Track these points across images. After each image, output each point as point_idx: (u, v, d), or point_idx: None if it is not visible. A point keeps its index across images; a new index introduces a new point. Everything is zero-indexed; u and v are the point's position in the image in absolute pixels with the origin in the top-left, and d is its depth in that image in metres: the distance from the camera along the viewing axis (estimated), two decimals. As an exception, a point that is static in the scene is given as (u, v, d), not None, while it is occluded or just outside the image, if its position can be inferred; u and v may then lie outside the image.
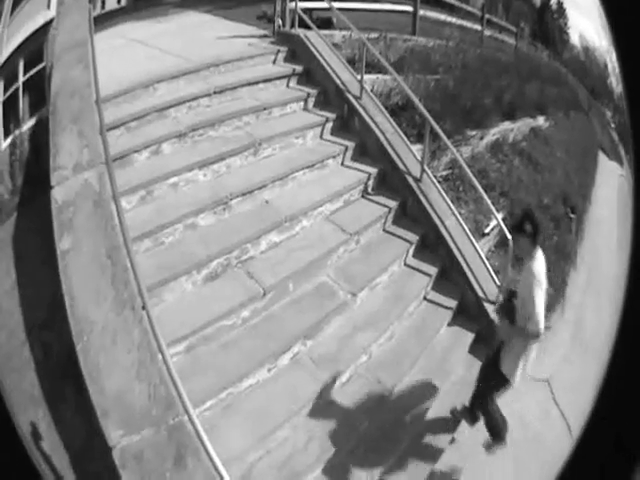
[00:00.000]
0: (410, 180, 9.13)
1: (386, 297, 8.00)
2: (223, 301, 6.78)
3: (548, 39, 17.65)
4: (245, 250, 7.50)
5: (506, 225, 8.38)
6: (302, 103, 10.38)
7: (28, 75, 15.26)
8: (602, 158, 13.36)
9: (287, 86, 10.75)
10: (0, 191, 13.74)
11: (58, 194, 5.81)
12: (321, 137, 9.91)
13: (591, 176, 12.79)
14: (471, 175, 9.03)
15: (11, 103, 15.23)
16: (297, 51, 11.38)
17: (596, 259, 10.64)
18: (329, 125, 10.07)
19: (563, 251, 10.23)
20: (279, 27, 12.30)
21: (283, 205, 8.27)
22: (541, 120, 14.07)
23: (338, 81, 10.48)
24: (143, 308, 4.98)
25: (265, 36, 12.40)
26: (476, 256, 8.55)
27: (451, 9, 16.53)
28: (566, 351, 8.69)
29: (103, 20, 19.06)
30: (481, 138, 12.32)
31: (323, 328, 7.18)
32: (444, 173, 10.60)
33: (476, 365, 7.43)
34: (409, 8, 15.06)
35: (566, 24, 17.17)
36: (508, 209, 10.35)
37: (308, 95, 10.47)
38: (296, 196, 8.52)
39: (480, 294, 8.16)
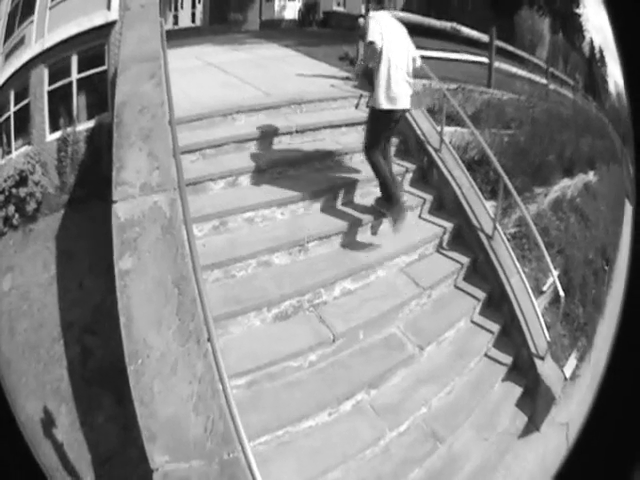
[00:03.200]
0: (482, 237, 8.94)
1: (450, 352, 7.83)
2: (291, 342, 6.62)
3: (595, 89, 17.79)
4: (318, 294, 7.30)
5: (561, 283, 8.38)
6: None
7: (84, 74, 15.42)
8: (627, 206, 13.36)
9: None
10: (44, 183, 13.80)
11: (121, 211, 5.48)
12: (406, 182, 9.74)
13: (620, 226, 12.71)
14: (537, 234, 8.84)
15: (61, 96, 15.31)
16: None
17: (617, 306, 10.55)
18: (408, 175, 9.89)
19: (597, 303, 10.17)
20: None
21: (360, 253, 8.09)
22: (591, 175, 14.09)
23: (419, 131, 10.24)
24: (208, 340, 4.73)
25: (347, 78, 12.28)
26: (533, 314, 8.32)
27: (521, 61, 16.88)
28: (585, 394, 8.38)
29: (175, 36, 19.22)
30: (545, 195, 12.26)
31: (388, 378, 6.99)
32: (512, 230, 10.48)
33: (520, 417, 7.69)
34: (485, 59, 15.18)
35: (606, 72, 17.34)
36: (563, 267, 10.37)
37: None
38: (374, 239, 8.35)
39: (532, 350, 8.01)
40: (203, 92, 10.74)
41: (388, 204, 8.21)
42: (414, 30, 13.09)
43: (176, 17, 29.72)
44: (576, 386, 8.33)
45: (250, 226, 7.78)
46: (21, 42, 15.65)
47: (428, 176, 9.90)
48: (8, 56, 16.27)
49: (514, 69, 16.17)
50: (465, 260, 8.85)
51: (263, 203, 7.91)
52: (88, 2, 15.14)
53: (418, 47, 10.27)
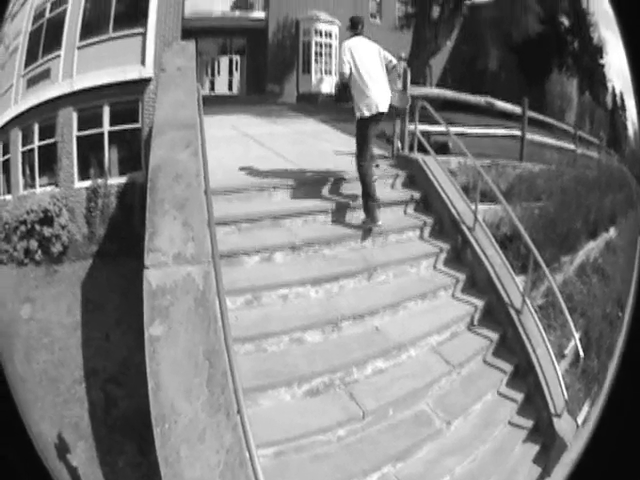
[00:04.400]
0: (512, 312, 8.95)
1: (476, 423, 7.81)
2: (321, 417, 6.60)
3: (617, 140, 17.92)
4: (350, 372, 7.29)
5: (581, 345, 8.57)
6: (418, 231, 10.26)
7: (117, 127, 15.58)
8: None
9: (405, 212, 10.65)
10: (71, 229, 13.95)
11: (153, 277, 5.45)
12: (434, 267, 9.77)
13: (634, 270, 12.80)
14: (563, 304, 8.89)
15: (91, 145, 15.47)
16: (415, 176, 11.28)
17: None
18: (443, 255, 9.94)
19: (610, 351, 10.06)
20: (398, 150, 12.27)
21: (393, 333, 8.07)
22: (612, 231, 14.24)
23: (454, 211, 10.33)
24: (238, 413, 4.70)
25: (384, 157, 12.29)
26: (556, 380, 8.38)
27: (550, 129, 17.27)
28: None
29: (212, 103, 19.40)
30: (571, 263, 12.38)
31: (414, 452, 6.94)
32: (540, 302, 10.53)
33: (535, 469, 7.77)
34: (517, 132, 15.40)
35: (626, 117, 17.49)
36: (584, 328, 10.47)
37: (424, 223, 10.34)
38: (406, 325, 8.31)
39: (552, 411, 8.07)
40: (240, 164, 10.85)
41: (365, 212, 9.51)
42: (449, 105, 13.36)
43: (213, 83, 30.00)
44: (585, 428, 8.25)
45: (284, 302, 7.77)
46: (46, 75, 16.02)
47: (462, 255, 9.95)
48: (31, 84, 16.49)
49: (545, 139, 16.39)
50: (495, 336, 8.89)
51: (297, 281, 7.93)
52: (121, 52, 15.60)
53: (453, 123, 12.02)
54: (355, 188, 10.14)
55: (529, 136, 15.38)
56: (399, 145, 12.24)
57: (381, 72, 9.61)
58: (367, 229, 9.52)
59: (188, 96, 8.85)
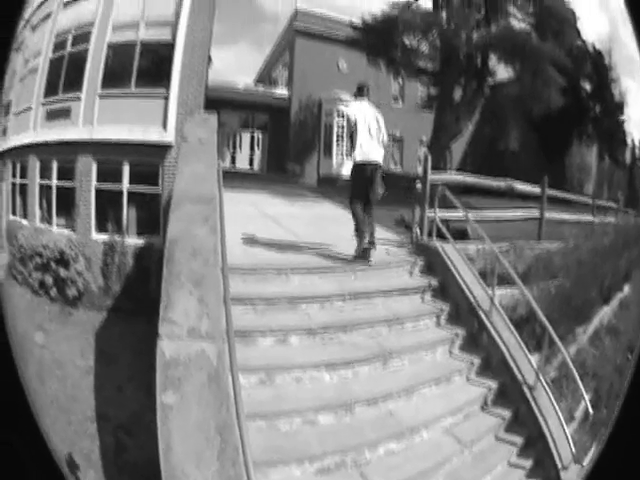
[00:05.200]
0: (525, 389, 8.94)
1: None
2: None
3: (634, 196, 17.93)
4: (361, 453, 7.22)
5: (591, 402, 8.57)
6: (435, 318, 10.24)
7: (137, 188, 15.95)
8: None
9: (422, 300, 10.62)
10: (87, 278, 14.13)
11: (167, 348, 5.45)
12: (450, 352, 9.75)
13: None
14: (576, 374, 8.82)
15: (110, 200, 15.91)
16: (433, 263, 11.37)
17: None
18: (458, 341, 9.94)
19: (618, 394, 10.03)
20: (417, 236, 12.42)
21: (406, 417, 8.04)
22: (626, 289, 14.25)
23: (471, 297, 10.35)
24: None
25: (403, 244, 12.51)
26: (566, 444, 8.36)
27: (568, 203, 17.43)
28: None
29: (232, 177, 19.63)
30: (584, 332, 12.33)
31: None
32: (553, 375, 10.47)
33: None
34: (536, 213, 15.60)
35: None
36: (594, 388, 10.47)
37: (441, 310, 10.35)
38: (419, 409, 8.29)
39: (559, 466, 8.13)
40: (258, 243, 11.02)
41: (358, 248, 10.61)
42: (469, 190, 13.50)
43: (234, 157, 30.29)
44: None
45: (297, 384, 7.77)
46: (67, 114, 16.61)
47: (477, 339, 9.93)
48: (51, 117, 17.14)
49: (563, 215, 16.49)
50: (508, 414, 8.88)
51: (312, 364, 7.93)
52: (142, 111, 16.00)
53: (473, 207, 12.64)
54: (374, 276, 10.41)
55: (547, 215, 15.54)
56: (418, 232, 12.38)
57: (378, 131, 10.91)
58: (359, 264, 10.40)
59: (208, 170, 9.00)
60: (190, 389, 5.20)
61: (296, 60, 30.00)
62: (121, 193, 16.05)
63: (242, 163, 31.09)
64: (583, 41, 23.76)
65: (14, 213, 17.90)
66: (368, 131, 10.79)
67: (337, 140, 28.81)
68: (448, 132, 21.69)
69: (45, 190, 17.08)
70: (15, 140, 17.87)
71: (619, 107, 23.74)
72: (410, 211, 12.97)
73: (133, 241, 15.43)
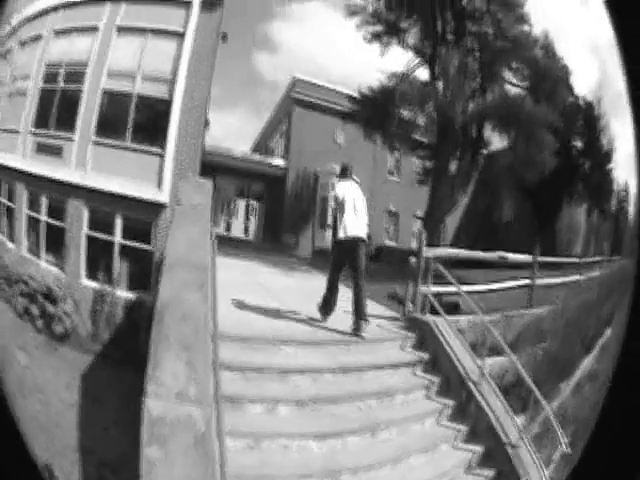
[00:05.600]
0: (509, 450, 9.02)
1: None
2: None
3: (619, 240, 18.23)
4: None
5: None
6: (425, 391, 10.28)
7: (129, 243, 16.01)
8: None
9: (413, 373, 10.64)
10: (75, 320, 14.18)
11: (153, 407, 5.37)
12: (438, 422, 9.77)
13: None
14: (558, 429, 8.75)
15: (101, 249, 16.03)
16: (425, 338, 11.42)
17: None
18: (447, 411, 9.97)
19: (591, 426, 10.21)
20: (409, 311, 12.45)
21: None
22: (608, 331, 14.32)
23: (461, 369, 10.42)
24: None
25: (395, 318, 12.57)
26: None
27: (557, 266, 17.69)
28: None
29: (227, 244, 19.81)
30: (567, 384, 12.50)
31: None
32: (537, 431, 10.32)
33: None
34: (527, 281, 15.73)
35: (628, 211, 18.08)
36: (573, 429, 10.20)
37: (431, 383, 10.40)
38: (406, 476, 8.26)
39: None
40: (250, 312, 11.02)
41: (324, 311, 11.38)
42: (463, 264, 13.72)
43: (229, 224, 30.45)
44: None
45: (285, 452, 7.73)
46: (58, 152, 16.71)
47: (466, 409, 9.97)
48: (41, 151, 17.23)
49: (552, 280, 16.59)
50: (491, 473, 8.94)
51: (300, 434, 7.92)
52: (137, 167, 16.12)
53: (465, 281, 12.82)
54: (365, 351, 10.45)
55: (538, 282, 15.69)
56: (410, 307, 12.43)
57: (363, 209, 11.46)
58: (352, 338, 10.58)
59: (202, 236, 9.01)
60: (176, 448, 5.18)
61: (293, 130, 30.25)
62: (112, 244, 16.09)
63: (237, 230, 31.19)
64: (575, 97, 24.40)
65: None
66: (353, 209, 11.29)
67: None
68: (443, 206, 21.69)
69: (33, 222, 17.12)
70: (1, 157, 17.90)
71: (607, 157, 23.94)
72: (403, 285, 13.04)
73: (124, 294, 15.46)
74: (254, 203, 31.16)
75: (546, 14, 22.78)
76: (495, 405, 9.73)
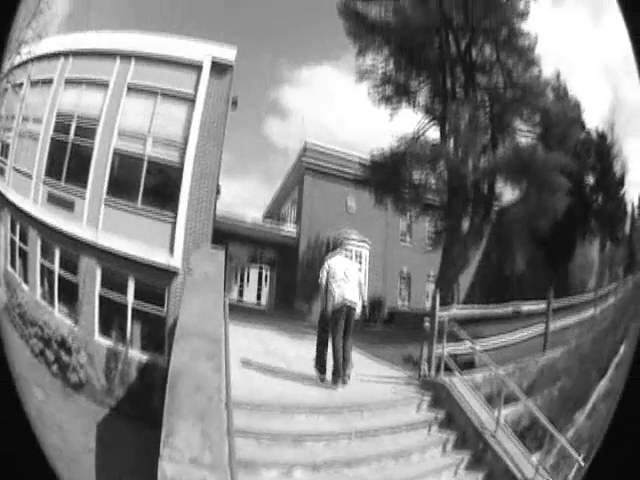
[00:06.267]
0: (525, 486, 9.05)
1: None
2: None
3: (632, 259, 18.04)
4: None
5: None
6: (441, 447, 10.21)
7: (142, 307, 15.89)
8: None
9: (428, 432, 10.61)
10: (89, 373, 14.15)
11: (168, 469, 5.44)
12: (455, 474, 9.70)
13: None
14: (574, 454, 8.72)
15: (114, 309, 15.92)
16: (440, 397, 11.41)
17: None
18: (463, 464, 9.88)
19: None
20: (425, 373, 12.52)
21: None
22: (622, 349, 14.07)
23: (477, 423, 10.40)
24: None
25: (410, 381, 12.57)
26: None
27: (571, 307, 17.19)
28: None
29: (239, 311, 19.83)
30: (583, 412, 12.60)
31: None
32: (552, 461, 10.60)
33: None
34: (541, 328, 15.48)
35: None
36: (588, 448, 9.99)
37: (447, 440, 10.34)
38: None
39: None
40: (265, 379, 11.07)
41: (321, 368, 11.74)
42: (476, 320, 13.71)
43: (241, 291, 30.37)
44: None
45: None
46: (70, 207, 16.81)
47: (482, 458, 9.91)
48: (52, 202, 17.26)
49: (566, 321, 16.44)
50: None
51: None
52: (149, 231, 16.17)
53: (480, 336, 13.07)
54: (380, 415, 10.44)
55: (552, 326, 15.50)
56: (426, 369, 12.49)
57: (354, 278, 12.09)
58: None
59: (215, 306, 9.13)
60: (191, 509, 5.19)
61: (305, 198, 29.62)
62: (126, 306, 16.03)
63: (250, 297, 30.95)
64: (587, 132, 23.63)
65: (12, 266, 17.82)
66: (343, 279, 11.89)
67: (345, 280, 28.64)
68: (456, 266, 21.17)
69: (47, 272, 17.06)
70: (14, 197, 17.96)
71: (621, 183, 23.42)
72: (417, 347, 13.11)
73: (137, 354, 15.43)
74: (267, 270, 31.07)
75: (558, 44, 22.60)
76: (511, 450, 9.65)
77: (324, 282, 11.96)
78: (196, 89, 17.08)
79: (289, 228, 29.95)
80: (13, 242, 17.75)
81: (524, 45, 20.53)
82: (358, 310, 11.98)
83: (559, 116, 20.90)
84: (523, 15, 20.18)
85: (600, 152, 24.09)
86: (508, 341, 14.73)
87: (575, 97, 22.13)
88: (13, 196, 17.88)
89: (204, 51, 17.27)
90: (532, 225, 20.07)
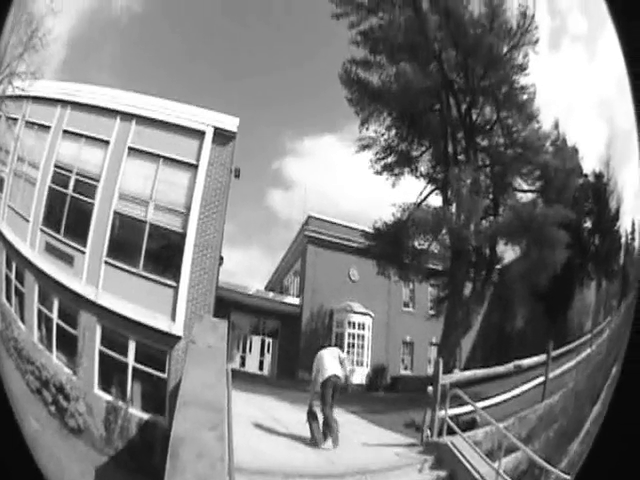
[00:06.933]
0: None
1: None
2: None
3: (625, 285, 18.06)
4: None
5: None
6: None
7: (143, 368, 15.75)
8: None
9: None
10: (88, 421, 14.28)
11: None
12: None
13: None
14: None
15: (115, 367, 15.77)
16: (443, 458, 11.62)
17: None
18: None
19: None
20: (427, 437, 12.73)
21: None
22: (614, 370, 13.61)
23: (477, 477, 10.59)
24: None
25: (412, 445, 12.79)
26: None
27: (570, 352, 17.28)
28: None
29: (241, 379, 19.83)
30: (576, 442, 12.70)
31: None
32: None
33: None
34: (541, 379, 15.77)
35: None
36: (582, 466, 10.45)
37: None
38: None
39: None
40: (266, 445, 11.37)
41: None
42: (477, 381, 13.74)
43: (244, 359, 30.41)
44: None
45: None
46: (69, 261, 16.67)
47: None
48: (50, 252, 16.99)
49: (564, 366, 16.55)
50: None
51: None
52: (151, 296, 16.15)
53: (482, 397, 13.36)
54: (385, 478, 10.58)
55: (551, 375, 15.78)
56: (428, 433, 12.72)
57: (338, 357, 15.05)
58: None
59: (217, 377, 9.27)
60: None
61: (307, 269, 29.09)
62: (127, 366, 15.87)
63: (252, 366, 30.87)
64: (585, 175, 23.41)
65: (8, 300, 16.90)
66: (330, 360, 14.72)
67: (348, 349, 28.66)
68: (459, 330, 21.79)
69: (45, 317, 16.61)
70: (9, 234, 17.33)
71: (616, 218, 23.10)
72: (420, 412, 13.34)
73: (138, 413, 15.27)
74: (269, 340, 31.06)
75: (556, 92, 22.29)
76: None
77: (314, 369, 14.71)
78: (198, 157, 17.05)
79: (292, 299, 29.84)
80: (8, 278, 17.17)
81: (523, 100, 20.70)
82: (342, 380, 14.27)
83: (558, 169, 20.98)
84: (523, 69, 20.36)
85: (597, 193, 23.63)
86: (509, 397, 14.93)
87: (573, 145, 21.92)
88: (8, 233, 17.43)
89: (206, 119, 17.31)
90: (533, 281, 20.01)
